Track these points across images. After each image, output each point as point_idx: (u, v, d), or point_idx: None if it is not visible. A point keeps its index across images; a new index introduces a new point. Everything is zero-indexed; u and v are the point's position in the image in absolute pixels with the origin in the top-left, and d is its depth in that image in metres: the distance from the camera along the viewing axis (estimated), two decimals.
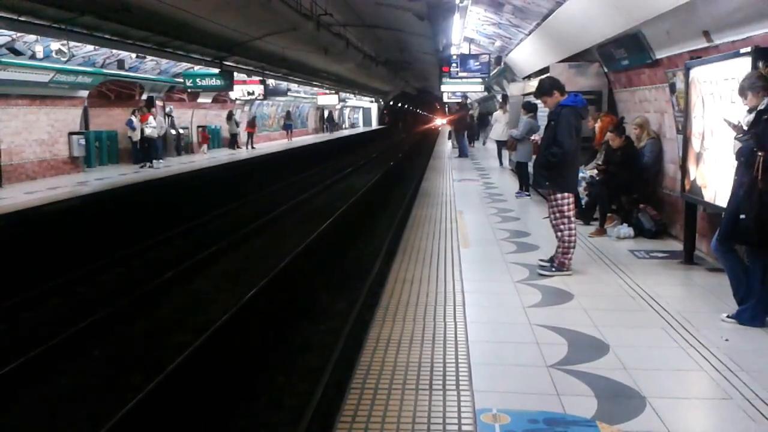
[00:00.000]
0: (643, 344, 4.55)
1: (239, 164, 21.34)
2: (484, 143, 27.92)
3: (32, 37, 12.75)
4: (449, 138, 28.82)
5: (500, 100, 20.61)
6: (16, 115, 14.91)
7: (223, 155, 23.41)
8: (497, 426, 3.34)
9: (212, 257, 10.52)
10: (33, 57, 13.59)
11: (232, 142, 26.64)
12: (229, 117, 26.69)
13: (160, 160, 19.83)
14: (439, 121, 67.19)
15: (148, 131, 18.71)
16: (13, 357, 6.22)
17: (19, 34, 12.33)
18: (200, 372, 6.00)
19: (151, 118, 18.83)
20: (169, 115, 22.37)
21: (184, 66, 19.44)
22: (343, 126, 52.11)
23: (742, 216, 4.59)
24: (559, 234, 6.45)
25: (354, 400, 3.60)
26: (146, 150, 18.99)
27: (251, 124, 27.83)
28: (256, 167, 21.55)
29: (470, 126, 24.96)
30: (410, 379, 3.87)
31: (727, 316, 4.92)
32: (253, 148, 27.27)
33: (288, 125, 35.09)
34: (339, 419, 3.40)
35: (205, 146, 24.55)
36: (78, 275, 9.30)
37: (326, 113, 46.80)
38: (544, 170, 6.52)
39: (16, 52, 12.93)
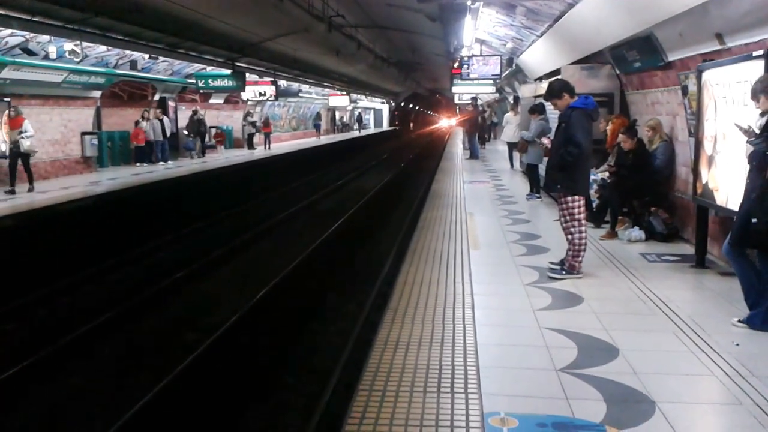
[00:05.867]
0: (653, 348, 4.52)
1: (254, 164, 21.44)
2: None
3: (45, 38, 12.84)
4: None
5: (512, 102, 20.57)
6: (29, 115, 14.95)
7: (236, 156, 23.44)
8: (505, 429, 3.33)
9: (223, 257, 10.56)
10: (46, 57, 13.68)
11: (250, 142, 26.77)
12: (245, 117, 26.85)
13: (168, 162, 19.84)
14: (452, 122, 67.09)
15: (26, 144, 12.87)
16: (25, 354, 6.27)
17: (32, 35, 12.42)
18: (210, 372, 6.03)
19: (26, 123, 13.00)
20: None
21: (196, 67, 19.51)
22: (354, 127, 52.42)
23: (754, 220, 4.56)
24: (569, 237, 6.42)
25: (362, 402, 3.60)
26: (15, 168, 13.16)
27: (266, 124, 27.99)
28: (268, 168, 21.60)
29: (481, 127, 24.94)
30: (418, 381, 3.86)
31: (739, 321, 4.88)
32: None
33: (317, 124, 40.41)
34: (347, 421, 3.40)
35: (221, 147, 24.54)
36: (89, 274, 9.36)
37: (356, 114, 53.98)
38: (557, 171, 6.47)
39: (30, 53, 13.02)
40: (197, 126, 22.74)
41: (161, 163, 19.68)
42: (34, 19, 10.51)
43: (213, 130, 24.65)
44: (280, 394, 5.80)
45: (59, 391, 5.86)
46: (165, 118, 20.34)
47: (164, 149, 20.13)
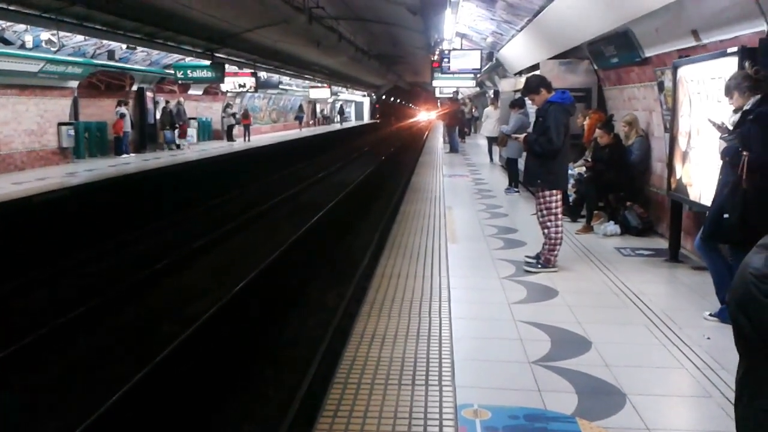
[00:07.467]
0: (625, 341, 4.59)
1: (234, 156, 21.33)
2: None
3: (22, 27, 12.66)
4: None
5: (492, 96, 20.63)
6: (5, 105, 14.79)
7: (215, 147, 23.23)
8: (478, 421, 3.37)
9: (202, 249, 10.51)
10: (22, 47, 13.49)
11: (229, 134, 26.57)
12: (225, 109, 26.61)
13: (131, 154, 19.44)
14: (432, 116, 67.11)
15: None
16: (2, 346, 6.20)
17: (8, 24, 12.25)
18: (188, 363, 6.01)
19: None
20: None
21: (175, 57, 19.30)
22: (335, 120, 52.35)
23: (726, 215, 4.62)
24: (545, 231, 6.47)
25: (337, 395, 3.61)
26: None
27: (245, 116, 27.77)
28: (247, 159, 21.50)
29: (461, 121, 24.98)
30: (393, 374, 3.89)
31: (710, 314, 4.96)
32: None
33: (299, 116, 40.57)
34: (321, 413, 3.41)
35: (182, 140, 23.05)
36: (66, 266, 9.27)
37: (338, 106, 54.30)
38: (535, 162, 6.50)
39: (6, 42, 12.84)
40: (169, 118, 22.14)
41: (131, 154, 19.36)
42: (9, 7, 10.35)
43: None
44: (259, 386, 5.80)
45: (37, 384, 5.81)
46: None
47: (125, 143, 19.56)
